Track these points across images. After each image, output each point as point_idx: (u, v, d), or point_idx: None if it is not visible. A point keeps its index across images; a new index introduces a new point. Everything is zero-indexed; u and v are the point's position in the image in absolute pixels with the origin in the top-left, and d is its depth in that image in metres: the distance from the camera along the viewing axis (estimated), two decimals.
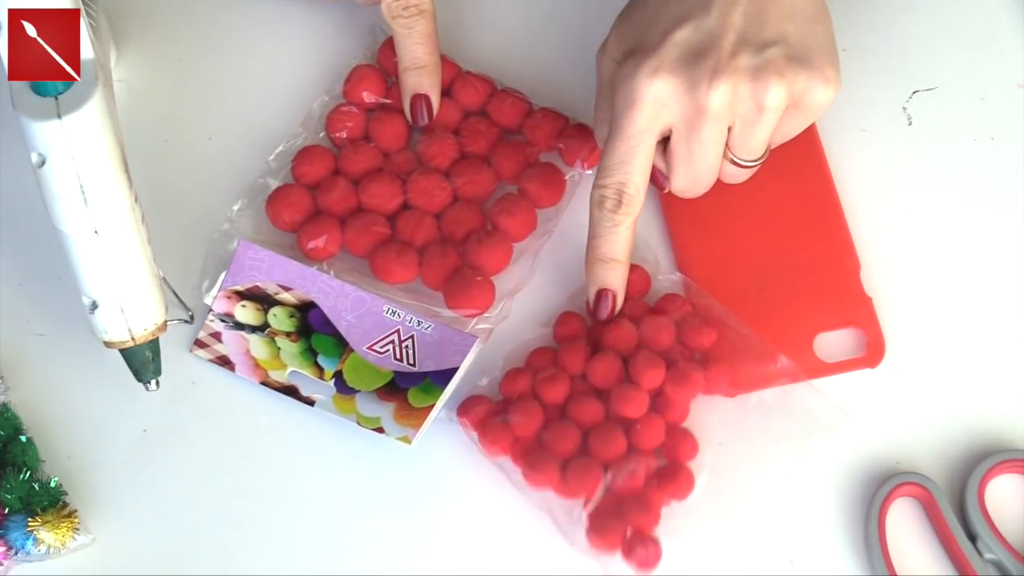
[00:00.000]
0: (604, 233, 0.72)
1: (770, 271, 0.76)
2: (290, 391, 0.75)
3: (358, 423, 0.73)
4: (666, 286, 0.76)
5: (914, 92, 0.81)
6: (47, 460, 0.73)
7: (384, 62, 0.81)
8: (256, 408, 0.75)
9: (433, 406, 0.72)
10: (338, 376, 0.74)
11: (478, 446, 0.73)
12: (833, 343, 0.75)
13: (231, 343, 0.75)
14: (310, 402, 0.74)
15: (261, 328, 0.75)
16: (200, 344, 0.76)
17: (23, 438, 0.73)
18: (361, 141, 0.79)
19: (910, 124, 0.80)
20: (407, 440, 0.72)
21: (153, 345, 0.71)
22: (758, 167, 0.72)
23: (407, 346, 0.74)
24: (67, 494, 0.72)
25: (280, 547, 0.73)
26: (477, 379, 0.74)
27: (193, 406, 0.75)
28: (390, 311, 0.74)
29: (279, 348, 0.75)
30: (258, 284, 0.75)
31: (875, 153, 0.80)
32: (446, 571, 0.72)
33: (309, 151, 0.79)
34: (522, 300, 0.77)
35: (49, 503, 0.71)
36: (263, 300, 0.75)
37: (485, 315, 0.75)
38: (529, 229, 0.77)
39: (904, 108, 0.81)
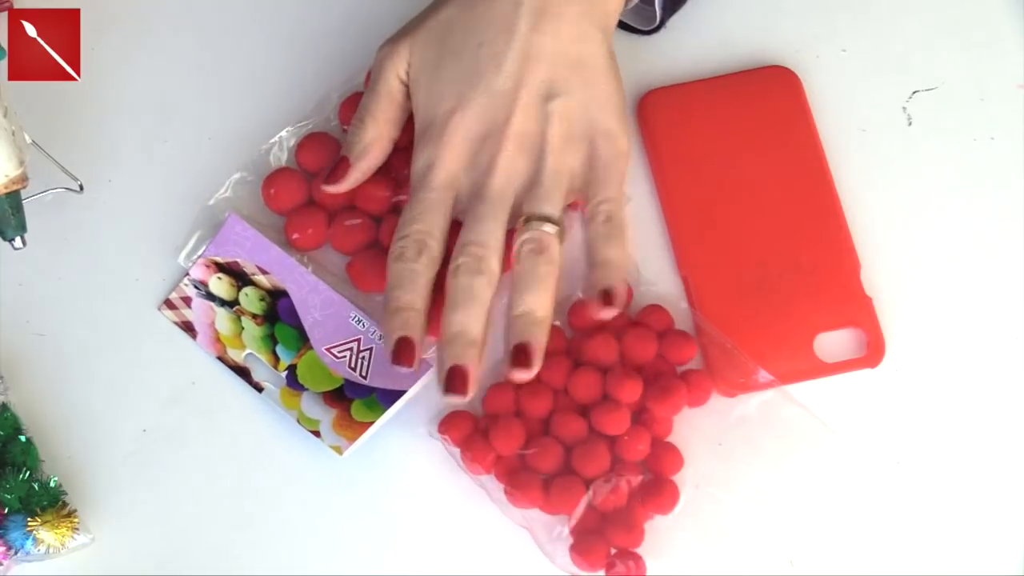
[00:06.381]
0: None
1: (770, 271, 0.76)
2: (243, 372, 0.75)
3: (298, 421, 0.73)
4: (648, 297, 0.76)
5: (914, 92, 0.81)
6: (47, 460, 0.73)
7: None
8: (256, 409, 0.75)
9: (373, 423, 0.73)
10: (291, 370, 0.74)
11: (459, 463, 0.73)
12: (833, 343, 0.75)
13: (199, 311, 0.76)
14: (259, 388, 0.75)
15: (230, 304, 0.76)
16: (169, 305, 0.76)
17: (23, 438, 0.73)
18: None
19: (910, 124, 0.80)
20: (339, 450, 0.72)
21: (12, 199, 0.71)
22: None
23: (363, 357, 0.74)
24: (67, 494, 0.72)
25: (279, 547, 0.73)
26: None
27: (193, 406, 0.75)
28: (356, 319, 0.74)
29: (243, 328, 0.75)
30: (238, 260, 0.76)
31: (875, 153, 0.79)
32: None
33: (315, 138, 0.78)
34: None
35: (49, 503, 0.71)
36: (239, 277, 0.76)
37: None
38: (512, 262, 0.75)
39: (904, 108, 0.81)
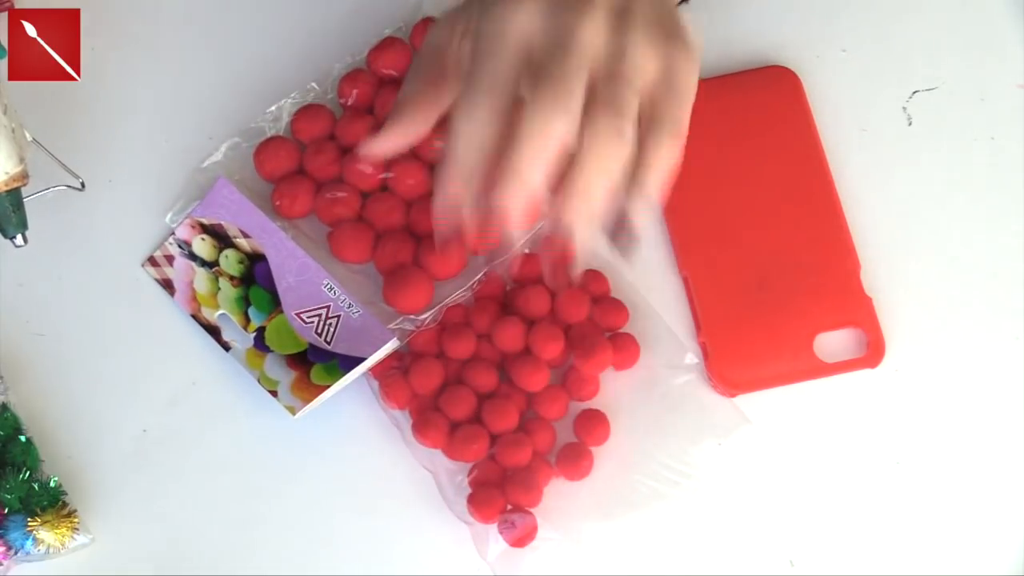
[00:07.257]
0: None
1: (770, 271, 0.76)
2: (213, 331, 0.76)
3: (259, 381, 0.74)
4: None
5: (914, 92, 0.81)
6: (47, 460, 0.73)
7: (416, 40, 0.79)
8: (256, 409, 0.75)
9: (329, 387, 0.73)
10: (260, 331, 0.75)
11: (377, 397, 0.74)
12: (833, 343, 0.75)
13: (179, 270, 0.77)
14: (227, 347, 0.75)
15: (210, 264, 0.77)
16: (153, 262, 0.77)
17: (23, 438, 0.73)
18: (364, 110, 0.79)
19: (910, 124, 0.80)
20: (292, 411, 0.73)
21: (13, 197, 0.71)
22: None
23: (331, 324, 0.75)
24: (67, 494, 0.72)
25: (281, 547, 0.73)
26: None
27: (193, 406, 0.75)
28: (328, 287, 0.75)
29: (219, 288, 0.76)
30: (222, 223, 0.77)
31: (875, 153, 0.79)
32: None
33: (312, 109, 0.78)
34: None
35: (49, 503, 0.71)
36: (221, 239, 0.77)
37: (412, 317, 0.75)
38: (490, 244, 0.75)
39: (904, 108, 0.81)
